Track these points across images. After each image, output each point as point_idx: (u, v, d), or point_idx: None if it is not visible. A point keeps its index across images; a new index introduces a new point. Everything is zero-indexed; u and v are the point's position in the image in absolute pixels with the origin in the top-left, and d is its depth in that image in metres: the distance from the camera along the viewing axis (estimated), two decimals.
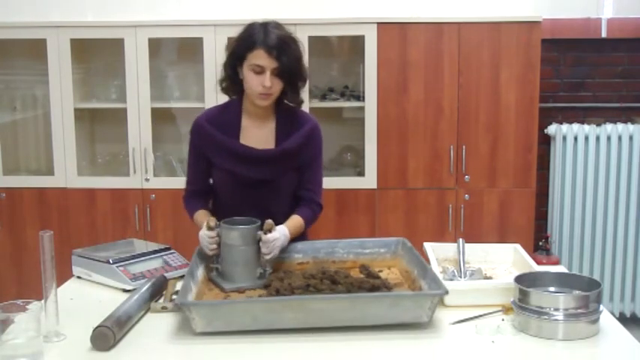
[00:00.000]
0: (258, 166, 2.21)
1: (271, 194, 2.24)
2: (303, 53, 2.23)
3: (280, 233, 2.06)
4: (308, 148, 2.26)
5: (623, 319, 3.74)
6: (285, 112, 2.28)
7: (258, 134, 2.26)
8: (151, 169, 3.59)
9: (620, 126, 3.75)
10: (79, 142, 3.64)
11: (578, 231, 3.80)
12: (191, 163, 2.33)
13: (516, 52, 3.43)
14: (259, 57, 2.12)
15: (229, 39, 2.30)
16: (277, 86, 2.16)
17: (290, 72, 2.15)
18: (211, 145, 2.24)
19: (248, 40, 2.15)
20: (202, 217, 2.21)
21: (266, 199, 2.23)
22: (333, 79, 3.77)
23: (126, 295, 1.90)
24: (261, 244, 2.03)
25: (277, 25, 2.20)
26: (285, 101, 2.26)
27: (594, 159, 3.76)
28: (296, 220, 2.19)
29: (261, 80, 2.13)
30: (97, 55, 3.82)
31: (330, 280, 1.89)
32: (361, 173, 3.55)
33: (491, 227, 3.53)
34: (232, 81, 2.24)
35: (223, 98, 3.49)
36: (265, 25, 2.17)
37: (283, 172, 2.23)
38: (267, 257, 2.03)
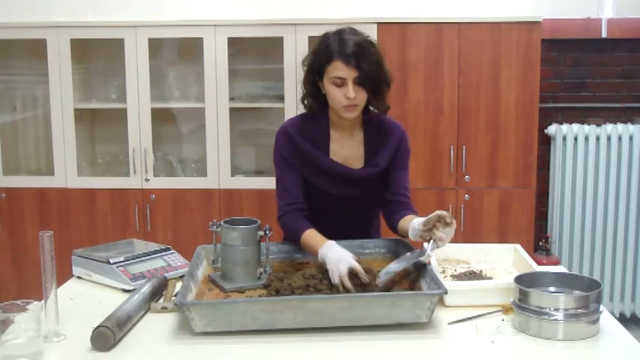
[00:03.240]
0: (349, 185, 2.18)
1: (361, 209, 2.24)
2: (384, 55, 2.11)
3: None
4: (398, 158, 2.21)
5: (623, 319, 3.74)
6: (372, 122, 2.20)
7: (347, 149, 2.19)
8: (151, 169, 3.59)
9: (620, 126, 3.75)
10: (79, 142, 3.64)
11: (578, 231, 3.80)
12: (284, 176, 2.19)
13: (516, 52, 3.43)
14: (338, 68, 2.02)
15: (308, 53, 2.16)
16: (362, 95, 2.06)
17: (372, 78, 2.04)
18: (299, 156, 2.17)
19: (324, 53, 2.05)
20: (318, 239, 2.02)
21: (356, 215, 2.22)
22: None
23: (126, 295, 1.90)
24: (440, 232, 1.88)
25: (352, 31, 2.08)
26: (371, 108, 2.19)
27: (594, 159, 3.76)
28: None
29: (343, 92, 2.03)
30: (97, 55, 3.82)
31: (329, 280, 1.89)
32: None
33: (491, 227, 3.53)
34: (315, 97, 2.15)
35: (223, 99, 3.52)
36: (340, 34, 2.06)
37: (374, 187, 2.20)
38: (440, 243, 1.88)
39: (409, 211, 2.17)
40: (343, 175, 2.17)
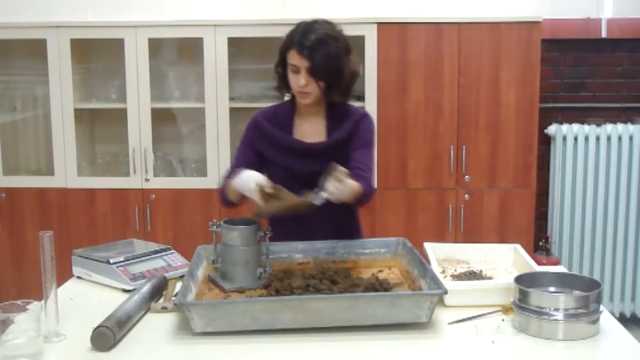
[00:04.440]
0: (311, 159, 2.22)
1: None
2: (345, 51, 2.20)
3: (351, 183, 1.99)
4: (357, 135, 2.26)
5: (623, 319, 3.74)
6: (336, 108, 2.30)
7: (309, 129, 2.29)
8: (151, 169, 3.59)
9: (620, 126, 3.76)
10: (79, 142, 3.64)
11: (578, 231, 3.81)
12: (239, 155, 2.34)
13: (516, 52, 3.43)
14: (293, 57, 2.16)
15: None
16: (313, 85, 2.17)
17: (324, 70, 2.14)
18: (265, 140, 2.28)
19: (287, 41, 2.20)
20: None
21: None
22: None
23: (126, 295, 1.90)
24: (331, 182, 1.95)
25: (321, 24, 2.21)
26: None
27: (594, 159, 3.76)
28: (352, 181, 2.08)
29: (297, 79, 2.17)
30: (97, 55, 3.82)
31: (329, 280, 1.89)
32: None
33: (491, 227, 3.53)
34: (284, 81, 2.27)
35: (223, 99, 3.52)
36: (307, 24, 2.21)
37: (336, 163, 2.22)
38: (329, 192, 1.96)
39: (360, 179, 2.14)
40: (302, 150, 2.23)
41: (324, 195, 1.97)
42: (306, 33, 2.16)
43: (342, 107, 2.30)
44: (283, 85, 2.29)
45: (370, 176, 2.19)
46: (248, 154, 2.31)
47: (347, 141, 2.24)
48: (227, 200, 2.25)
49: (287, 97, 2.37)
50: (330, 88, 2.21)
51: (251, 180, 2.05)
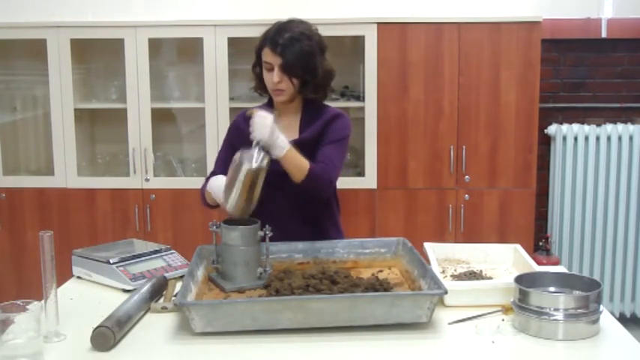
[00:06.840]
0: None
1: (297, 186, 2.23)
2: (319, 49, 2.25)
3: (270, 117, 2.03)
4: (327, 134, 2.26)
5: (623, 319, 3.74)
6: (312, 107, 2.31)
7: (284, 129, 2.28)
8: (151, 169, 3.59)
9: (620, 126, 3.76)
10: (79, 142, 3.64)
11: (578, 231, 3.81)
12: (219, 156, 2.39)
13: (516, 52, 3.43)
14: (267, 54, 2.20)
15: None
16: (286, 82, 2.20)
17: (297, 67, 2.18)
18: (242, 140, 2.26)
19: (261, 40, 2.24)
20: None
21: (293, 191, 2.20)
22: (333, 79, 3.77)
23: (126, 295, 1.90)
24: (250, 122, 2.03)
25: (297, 23, 2.26)
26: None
27: (594, 159, 3.76)
28: (300, 155, 2.12)
29: (271, 76, 2.20)
30: (97, 55, 3.82)
31: (329, 280, 1.89)
32: (361, 173, 3.55)
33: (491, 227, 3.53)
34: (261, 82, 2.30)
35: (223, 99, 3.52)
36: (282, 24, 2.25)
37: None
38: (252, 135, 2.02)
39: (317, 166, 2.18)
40: None
41: (252, 137, 2.01)
42: (280, 31, 2.21)
43: (318, 107, 2.32)
44: (260, 85, 2.32)
45: (329, 167, 2.19)
46: (227, 155, 2.33)
47: (317, 140, 2.25)
48: (205, 203, 2.28)
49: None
50: (305, 86, 2.23)
51: (220, 189, 2.08)
